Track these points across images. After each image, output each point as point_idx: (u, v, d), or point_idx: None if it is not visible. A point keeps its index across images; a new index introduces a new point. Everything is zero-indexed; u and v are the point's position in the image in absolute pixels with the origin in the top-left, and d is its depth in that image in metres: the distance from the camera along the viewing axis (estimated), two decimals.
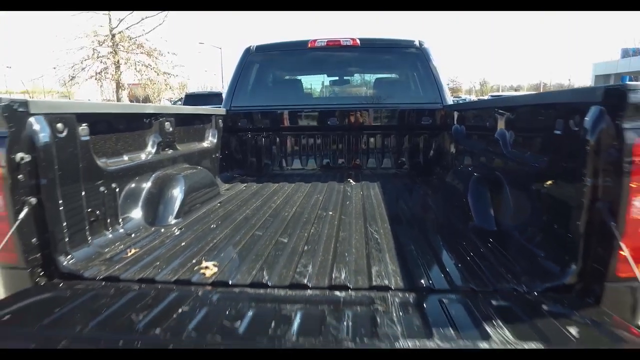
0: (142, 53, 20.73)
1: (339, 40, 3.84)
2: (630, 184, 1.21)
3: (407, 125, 3.81)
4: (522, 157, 2.00)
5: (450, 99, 3.84)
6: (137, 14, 19.51)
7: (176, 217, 2.25)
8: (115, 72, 20.60)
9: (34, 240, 1.51)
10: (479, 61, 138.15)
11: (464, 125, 3.24)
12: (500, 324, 1.12)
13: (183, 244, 1.87)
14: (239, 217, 2.34)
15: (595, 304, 1.29)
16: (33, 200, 1.48)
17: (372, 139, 3.92)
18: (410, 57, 3.92)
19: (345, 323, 1.16)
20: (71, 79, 20.14)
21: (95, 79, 20.71)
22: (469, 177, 2.30)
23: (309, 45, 3.87)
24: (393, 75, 4.43)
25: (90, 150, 1.81)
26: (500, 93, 40.17)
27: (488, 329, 1.10)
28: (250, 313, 1.23)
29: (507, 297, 1.31)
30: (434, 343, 1.04)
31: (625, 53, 36.99)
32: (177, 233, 2.04)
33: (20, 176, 1.45)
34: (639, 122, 1.21)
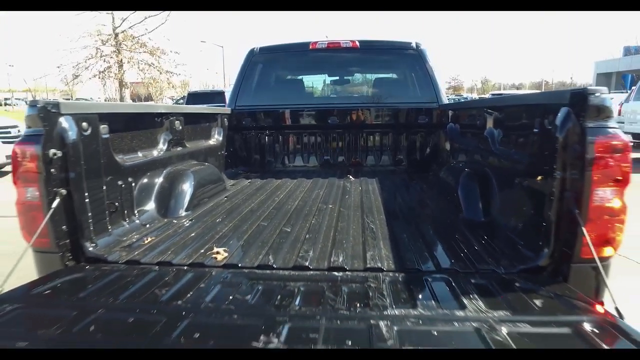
0: (144, 52, 20.97)
1: (339, 42, 4.00)
2: (592, 177, 1.38)
3: (404, 123, 3.97)
4: (507, 153, 2.16)
5: (445, 99, 4.00)
6: (140, 14, 19.75)
7: (186, 210, 2.42)
8: (118, 71, 20.83)
9: (64, 227, 1.69)
10: (481, 59, 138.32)
11: (458, 123, 3.40)
12: (476, 297, 1.30)
13: (194, 233, 2.04)
14: (244, 209, 2.51)
15: (563, 282, 1.46)
16: (63, 191, 1.66)
17: (371, 137, 4.08)
18: (407, 58, 4.07)
19: (341, 296, 1.34)
20: (75, 78, 20.40)
21: (99, 77, 20.97)
22: (460, 172, 2.47)
23: (311, 47, 4.03)
24: (391, 76, 4.58)
25: (109, 147, 1.99)
26: (501, 91, 40.24)
27: (464, 300, 1.28)
28: (258, 288, 1.42)
29: (486, 277, 1.49)
30: (417, 311, 1.22)
31: (627, 51, 36.92)
32: (188, 224, 2.21)
33: (52, 170, 1.63)
34: (600, 121, 1.39)
